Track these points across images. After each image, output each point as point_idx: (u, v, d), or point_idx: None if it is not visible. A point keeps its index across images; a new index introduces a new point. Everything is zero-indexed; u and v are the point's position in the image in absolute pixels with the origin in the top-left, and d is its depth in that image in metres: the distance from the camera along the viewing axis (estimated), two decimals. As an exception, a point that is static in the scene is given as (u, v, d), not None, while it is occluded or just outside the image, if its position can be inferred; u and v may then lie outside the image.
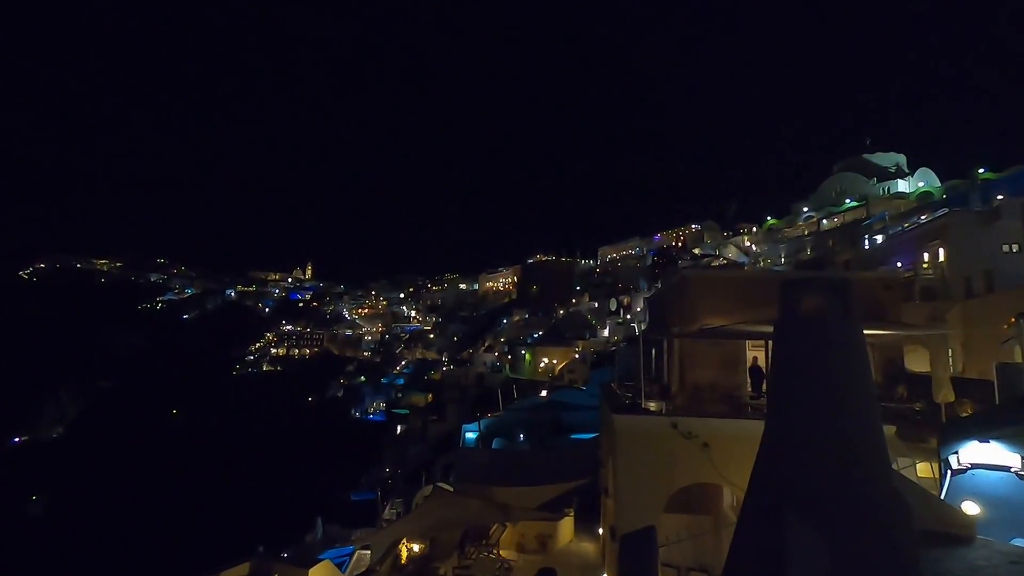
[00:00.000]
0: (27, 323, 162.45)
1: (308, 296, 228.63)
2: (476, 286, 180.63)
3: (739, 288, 14.69)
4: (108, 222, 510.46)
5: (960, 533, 7.09)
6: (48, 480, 74.59)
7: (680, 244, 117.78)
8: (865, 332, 5.27)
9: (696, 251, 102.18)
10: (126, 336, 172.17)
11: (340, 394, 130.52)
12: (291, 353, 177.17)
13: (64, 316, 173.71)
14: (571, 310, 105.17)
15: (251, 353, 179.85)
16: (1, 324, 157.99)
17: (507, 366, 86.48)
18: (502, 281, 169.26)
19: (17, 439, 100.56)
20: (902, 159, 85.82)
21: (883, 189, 79.37)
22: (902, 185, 78.59)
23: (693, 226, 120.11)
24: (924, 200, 65.66)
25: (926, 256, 30.10)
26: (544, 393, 48.57)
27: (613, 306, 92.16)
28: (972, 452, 9.40)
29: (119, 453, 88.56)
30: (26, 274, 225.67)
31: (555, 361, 75.79)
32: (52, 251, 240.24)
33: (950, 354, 17.78)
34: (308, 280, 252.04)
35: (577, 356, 71.72)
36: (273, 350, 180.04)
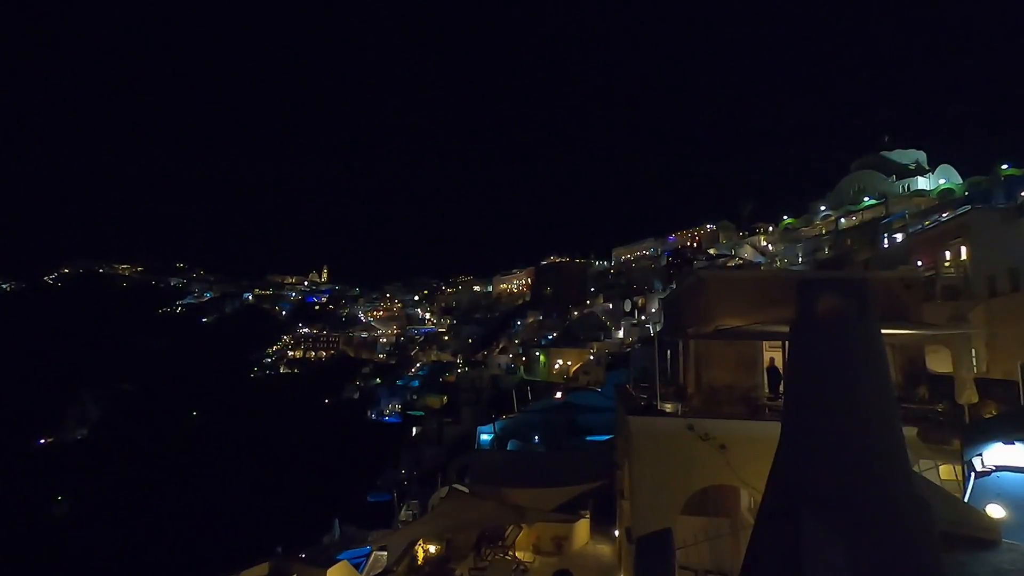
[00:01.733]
0: (52, 327, 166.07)
1: (324, 299, 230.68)
2: (490, 288, 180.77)
3: (755, 288, 14.57)
4: (129, 228, 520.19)
5: (985, 536, 6.97)
6: (73, 481, 76.12)
7: (695, 244, 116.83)
8: (885, 332, 5.21)
9: (711, 251, 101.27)
10: (147, 339, 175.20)
11: (356, 396, 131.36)
12: (308, 355, 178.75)
13: (87, 320, 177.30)
14: (585, 311, 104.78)
15: (268, 356, 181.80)
16: (27, 328, 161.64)
17: (521, 368, 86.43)
18: (516, 283, 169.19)
19: (43, 440, 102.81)
20: (922, 156, 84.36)
21: (902, 187, 78.08)
22: (922, 182, 77.27)
23: (708, 226, 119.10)
24: (945, 197, 64.50)
25: (948, 255, 29.56)
26: (559, 395, 48.45)
27: (627, 307, 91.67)
28: (997, 454, 9.23)
29: (141, 454, 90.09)
30: (51, 279, 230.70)
31: (569, 363, 75.58)
32: (75, 257, 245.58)
33: (973, 354, 17.45)
34: (324, 283, 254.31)
35: (592, 358, 71.48)
36: (290, 352, 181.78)
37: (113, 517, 62.53)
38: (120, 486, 73.61)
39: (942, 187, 72.44)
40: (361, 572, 14.96)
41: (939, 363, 15.42)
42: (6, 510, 63.49)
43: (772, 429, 5.52)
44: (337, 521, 27.69)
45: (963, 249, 28.66)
